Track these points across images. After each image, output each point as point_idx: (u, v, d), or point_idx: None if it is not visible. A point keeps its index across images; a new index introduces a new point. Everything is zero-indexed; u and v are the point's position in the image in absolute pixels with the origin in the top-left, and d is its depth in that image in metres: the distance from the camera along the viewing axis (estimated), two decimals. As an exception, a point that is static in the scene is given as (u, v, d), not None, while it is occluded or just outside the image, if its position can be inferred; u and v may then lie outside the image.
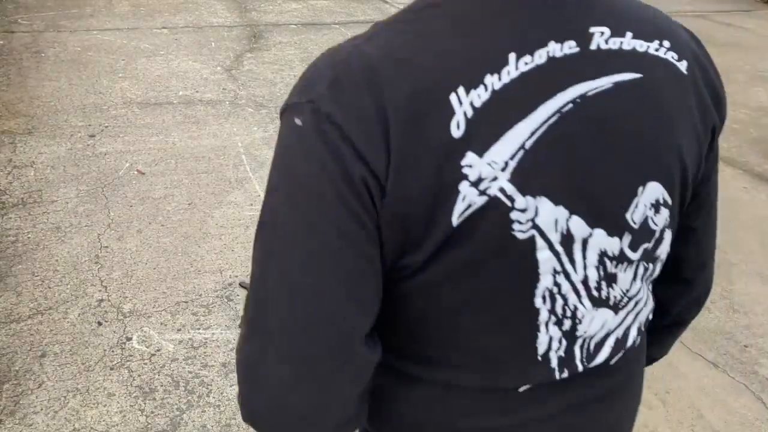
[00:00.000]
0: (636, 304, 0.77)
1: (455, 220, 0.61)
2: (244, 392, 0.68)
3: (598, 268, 0.71)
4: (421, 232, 0.62)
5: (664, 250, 0.76)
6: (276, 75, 5.16)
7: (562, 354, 0.74)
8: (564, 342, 0.73)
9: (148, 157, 3.70)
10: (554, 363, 0.74)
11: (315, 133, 0.60)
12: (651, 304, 0.81)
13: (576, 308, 0.71)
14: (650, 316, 0.82)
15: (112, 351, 2.27)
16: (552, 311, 0.70)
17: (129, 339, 2.33)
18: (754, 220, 3.42)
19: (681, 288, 0.91)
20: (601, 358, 0.76)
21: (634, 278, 0.74)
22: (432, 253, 0.63)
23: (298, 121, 0.61)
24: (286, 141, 0.63)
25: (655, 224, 0.72)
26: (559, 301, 0.70)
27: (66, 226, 2.99)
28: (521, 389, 0.75)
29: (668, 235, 0.76)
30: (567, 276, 0.69)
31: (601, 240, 0.69)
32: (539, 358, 0.73)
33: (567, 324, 0.72)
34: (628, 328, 0.78)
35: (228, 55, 5.58)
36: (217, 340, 2.34)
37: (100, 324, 2.40)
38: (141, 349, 2.29)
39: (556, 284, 0.69)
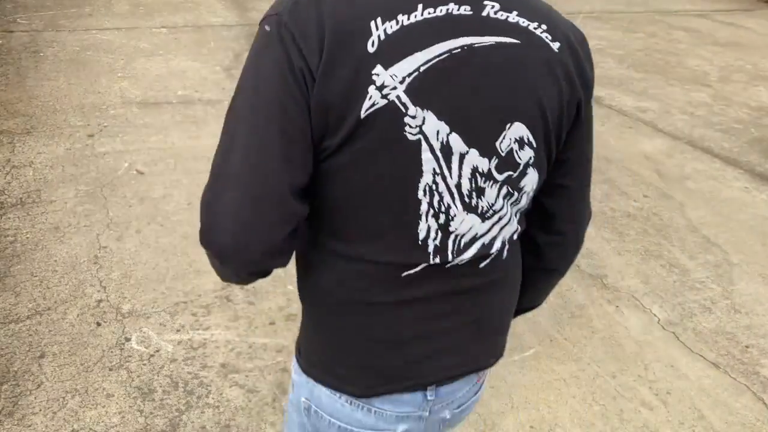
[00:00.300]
0: (500, 219, 0.98)
1: (363, 113, 0.83)
2: (203, 225, 0.89)
3: (470, 180, 0.92)
4: (337, 119, 0.84)
5: (529, 184, 0.97)
6: (276, 74, 5.15)
7: (438, 244, 0.95)
8: (440, 234, 0.94)
9: (147, 157, 3.69)
10: (431, 249, 0.95)
11: (277, 36, 0.82)
12: (515, 227, 1.02)
13: (450, 207, 0.93)
14: (515, 237, 1.03)
15: (111, 351, 2.26)
16: (431, 204, 0.92)
17: (128, 339, 2.32)
18: (755, 220, 3.41)
19: (555, 238, 1.12)
20: (468, 255, 0.97)
21: (498, 195, 0.95)
22: (344, 138, 0.85)
23: (267, 28, 0.84)
24: (258, 43, 0.86)
25: (519, 158, 0.94)
26: (437, 197, 0.91)
27: (65, 226, 2.98)
28: (405, 273, 0.96)
29: (533, 173, 0.96)
30: (444, 178, 0.90)
31: (475, 158, 0.91)
32: (420, 242, 0.94)
33: (442, 218, 0.93)
34: (493, 238, 0.99)
35: (227, 54, 5.57)
36: (217, 341, 2.34)
37: (99, 324, 2.39)
38: (140, 350, 2.28)
39: (435, 183, 0.90)
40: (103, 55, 5.36)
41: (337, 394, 1.04)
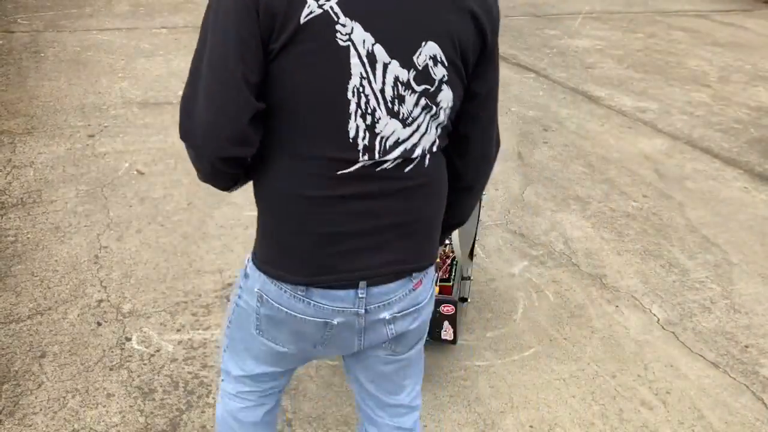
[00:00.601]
0: (419, 127, 1.15)
1: (302, 20, 1.01)
2: (181, 120, 1.08)
3: (393, 87, 1.09)
4: (281, 24, 1.01)
5: (445, 101, 1.14)
6: (276, 75, 5.15)
7: (366, 143, 1.11)
8: (367, 134, 1.10)
9: (148, 157, 3.70)
10: (360, 147, 1.11)
11: None
12: (434, 138, 1.18)
13: (375, 110, 1.09)
14: (435, 149, 1.19)
15: (112, 351, 2.27)
16: (358, 105, 1.08)
17: (128, 339, 2.33)
18: (754, 220, 3.42)
19: (469, 160, 1.31)
20: (393, 155, 1.13)
21: (417, 105, 1.12)
22: (286, 41, 1.02)
23: None
24: None
25: (434, 74, 1.11)
26: (363, 99, 1.08)
27: (65, 226, 2.98)
28: (339, 172, 1.11)
29: (447, 91, 1.13)
30: (369, 83, 1.07)
31: (396, 68, 1.08)
32: (351, 140, 1.10)
33: (369, 119, 1.09)
34: (414, 145, 1.15)
35: (228, 54, 5.57)
36: (217, 341, 2.34)
37: (99, 324, 2.39)
38: (140, 350, 2.28)
39: (362, 85, 1.06)
40: (104, 55, 5.37)
41: (281, 286, 1.21)
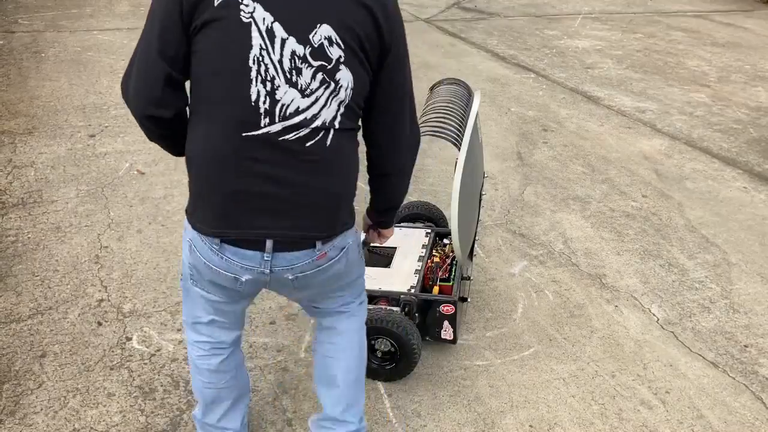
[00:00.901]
0: (317, 99, 1.33)
1: (215, 3, 1.27)
2: (121, 85, 1.40)
3: (290, 60, 1.30)
4: (201, 8, 1.27)
5: (344, 80, 1.34)
6: (276, 75, 5.16)
7: (267, 107, 1.31)
8: (268, 99, 1.30)
9: (148, 157, 3.71)
10: (262, 111, 1.31)
11: None
12: (334, 113, 1.35)
13: (274, 78, 1.30)
14: (337, 125, 1.37)
15: (112, 351, 2.27)
16: (258, 72, 1.29)
17: (129, 339, 2.33)
18: (753, 220, 3.42)
19: (380, 150, 1.51)
20: (293, 121, 1.32)
21: (314, 79, 1.32)
22: (203, 21, 1.27)
23: None
24: None
25: (331, 53, 1.31)
26: (263, 67, 1.29)
27: (66, 226, 2.99)
28: (244, 134, 1.31)
29: (346, 71, 1.33)
30: (268, 53, 1.29)
31: (293, 44, 1.29)
32: (252, 103, 1.31)
33: (269, 86, 1.30)
34: (315, 116, 1.34)
35: (228, 55, 5.57)
36: (217, 340, 2.34)
37: (100, 324, 2.40)
38: (141, 349, 2.29)
39: (261, 55, 1.29)
40: (104, 55, 5.37)
41: (203, 238, 1.41)
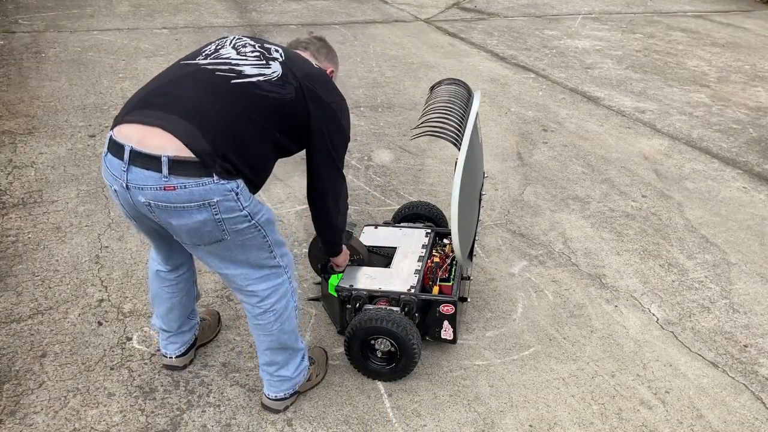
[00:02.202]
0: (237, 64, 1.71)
1: None
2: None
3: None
4: None
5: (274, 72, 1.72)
6: (276, 75, 5.16)
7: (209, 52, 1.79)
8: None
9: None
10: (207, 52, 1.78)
11: None
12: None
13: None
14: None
15: (113, 351, 2.27)
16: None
17: (129, 339, 2.34)
18: (753, 220, 3.42)
19: (311, 184, 1.91)
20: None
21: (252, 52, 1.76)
22: None
23: None
24: None
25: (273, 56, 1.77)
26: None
27: (66, 226, 2.99)
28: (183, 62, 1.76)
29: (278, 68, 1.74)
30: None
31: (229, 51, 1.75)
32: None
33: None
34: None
35: (228, 55, 5.57)
36: (217, 340, 2.35)
37: (100, 324, 2.40)
38: (141, 349, 2.29)
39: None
40: (105, 55, 5.37)
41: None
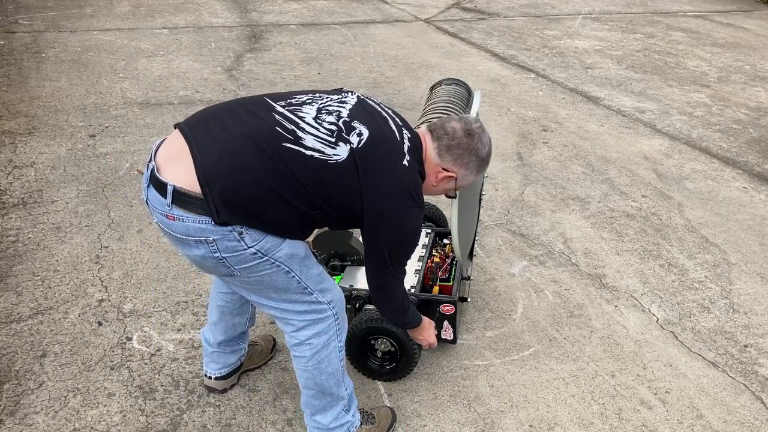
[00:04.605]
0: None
1: None
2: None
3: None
4: None
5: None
6: (276, 75, 5.16)
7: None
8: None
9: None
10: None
11: None
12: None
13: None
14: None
15: (113, 351, 2.27)
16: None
17: (129, 339, 2.34)
18: (753, 220, 3.42)
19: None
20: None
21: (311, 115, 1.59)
22: None
23: None
24: None
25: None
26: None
27: (66, 226, 2.99)
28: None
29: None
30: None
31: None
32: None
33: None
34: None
35: (228, 55, 5.58)
36: (218, 340, 2.35)
37: (100, 324, 2.40)
38: (141, 349, 2.29)
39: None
40: (105, 55, 5.38)
41: None
